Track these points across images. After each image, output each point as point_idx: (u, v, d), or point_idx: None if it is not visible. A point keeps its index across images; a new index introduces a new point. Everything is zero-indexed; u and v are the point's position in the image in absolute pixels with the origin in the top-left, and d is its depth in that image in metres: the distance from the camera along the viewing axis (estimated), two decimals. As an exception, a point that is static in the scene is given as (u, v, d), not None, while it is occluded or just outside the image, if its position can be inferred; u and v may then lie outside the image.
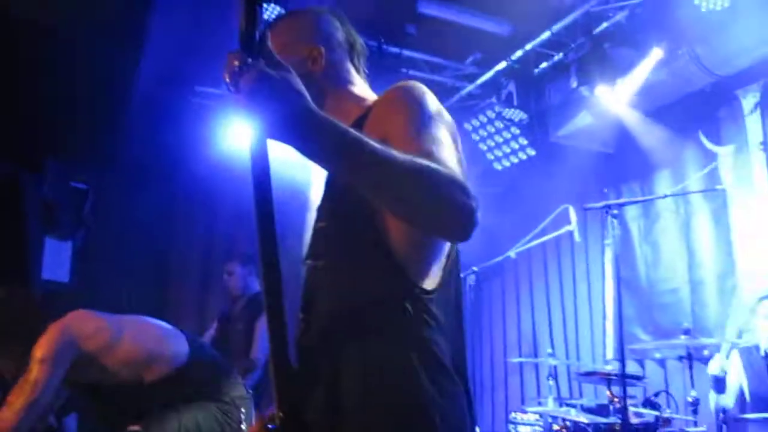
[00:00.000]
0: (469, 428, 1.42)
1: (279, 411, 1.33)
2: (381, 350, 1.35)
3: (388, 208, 1.29)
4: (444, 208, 1.21)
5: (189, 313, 6.04)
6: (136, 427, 2.46)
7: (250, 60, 1.11)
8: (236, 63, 1.11)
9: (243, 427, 2.72)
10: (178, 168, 6.03)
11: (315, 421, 1.34)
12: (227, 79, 1.13)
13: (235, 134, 5.89)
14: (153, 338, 2.70)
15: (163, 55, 5.01)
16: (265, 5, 1.17)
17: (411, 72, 5.53)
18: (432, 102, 1.42)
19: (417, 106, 1.39)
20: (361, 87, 1.65)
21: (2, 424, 2.32)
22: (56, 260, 5.46)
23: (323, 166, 1.25)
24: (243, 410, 2.77)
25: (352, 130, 1.17)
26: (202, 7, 4.72)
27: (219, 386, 2.75)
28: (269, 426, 1.37)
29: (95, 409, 2.52)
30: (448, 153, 1.32)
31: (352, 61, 1.67)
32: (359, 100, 1.60)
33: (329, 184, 1.54)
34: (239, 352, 4.35)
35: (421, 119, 1.36)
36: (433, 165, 1.22)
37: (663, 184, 5.60)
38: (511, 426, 4.93)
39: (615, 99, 5.20)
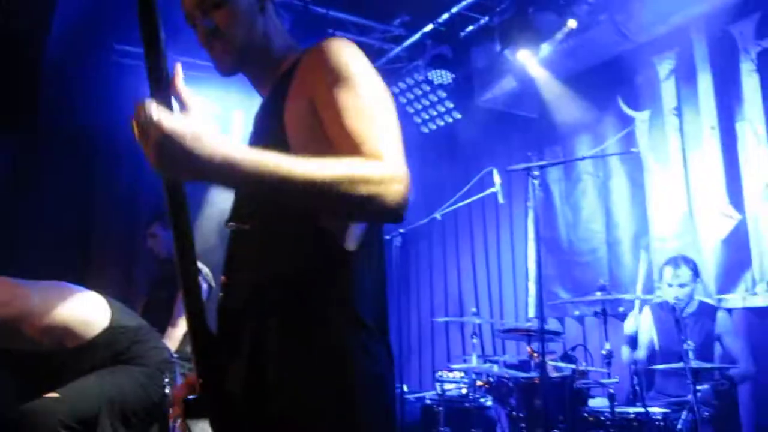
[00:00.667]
0: (390, 385, 1.45)
1: (198, 379, 1.33)
2: (302, 311, 1.36)
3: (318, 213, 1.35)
4: (374, 209, 1.24)
5: (113, 278, 5.90)
6: (54, 395, 2.42)
7: (153, 117, 1.11)
8: (143, 115, 1.12)
9: (167, 391, 2.71)
10: (99, 130, 5.82)
11: (236, 389, 1.36)
12: (135, 132, 1.14)
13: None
14: (73, 304, 2.64)
15: (77, 13, 4.79)
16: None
17: (338, 33, 5.47)
18: (357, 58, 1.41)
19: (344, 65, 1.38)
20: (288, 40, 1.63)
21: None
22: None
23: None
24: (167, 375, 2.75)
25: (258, 158, 1.17)
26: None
27: (142, 351, 2.72)
28: (189, 397, 1.37)
29: (14, 377, 2.45)
30: (375, 122, 1.32)
31: (269, 15, 1.61)
32: (286, 50, 1.59)
33: (256, 140, 1.53)
34: (162, 320, 4.28)
35: (348, 82, 1.35)
36: (350, 168, 1.22)
37: (583, 147, 5.76)
38: (437, 384, 5.06)
39: (537, 63, 5.29)
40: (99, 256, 6.10)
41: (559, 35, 4.88)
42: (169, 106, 1.19)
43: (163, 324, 4.12)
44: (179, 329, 4.22)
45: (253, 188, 1.22)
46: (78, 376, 2.55)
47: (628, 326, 4.61)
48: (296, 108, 1.40)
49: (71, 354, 2.55)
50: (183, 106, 1.31)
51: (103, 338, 2.62)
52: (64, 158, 5.84)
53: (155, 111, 1.11)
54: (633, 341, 4.58)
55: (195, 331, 1.32)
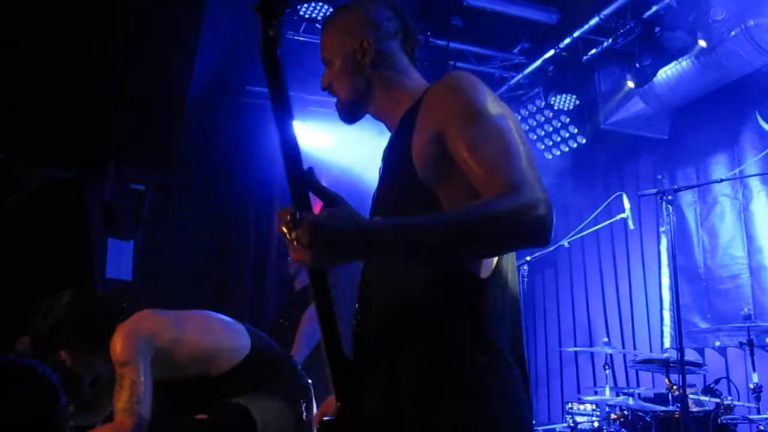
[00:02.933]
0: (527, 413, 1.43)
1: (337, 401, 1.37)
2: (437, 341, 1.37)
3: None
4: (519, 238, 1.26)
5: (246, 307, 6.17)
6: (202, 416, 2.54)
7: (299, 215, 1.18)
8: (288, 218, 1.19)
9: (305, 417, 2.78)
10: (233, 167, 6.18)
11: (373, 412, 1.39)
12: (284, 232, 1.20)
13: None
14: (216, 331, 2.77)
15: (215, 57, 5.13)
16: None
17: (458, 64, 5.53)
18: (482, 90, 1.42)
19: (468, 98, 1.40)
20: (413, 76, 1.67)
21: (123, 428, 2.42)
22: (119, 260, 5.65)
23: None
24: (303, 401, 2.83)
25: (407, 223, 1.25)
26: (251, 10, 4.81)
27: (280, 377, 2.81)
28: (325, 418, 1.42)
29: (162, 405, 2.59)
30: (506, 151, 1.33)
31: (404, 51, 1.68)
32: (410, 89, 1.62)
33: (385, 174, 1.58)
34: (289, 342, 4.40)
35: (474, 114, 1.37)
36: (490, 207, 1.25)
37: (720, 168, 5.48)
38: (567, 416, 4.90)
39: (666, 83, 5.11)
40: (234, 286, 6.41)
41: (690, 54, 4.69)
42: (307, 198, 1.27)
43: (287, 348, 4.24)
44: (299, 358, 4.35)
45: (402, 252, 1.27)
46: (222, 402, 2.66)
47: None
48: (423, 141, 1.42)
49: (216, 380, 2.65)
50: (326, 201, 1.40)
51: (244, 366, 2.71)
52: (203, 193, 6.21)
53: (299, 212, 1.19)
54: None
55: (332, 355, 1.36)
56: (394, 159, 1.53)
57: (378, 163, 1.64)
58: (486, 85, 1.45)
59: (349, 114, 1.69)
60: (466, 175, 1.34)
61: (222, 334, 2.79)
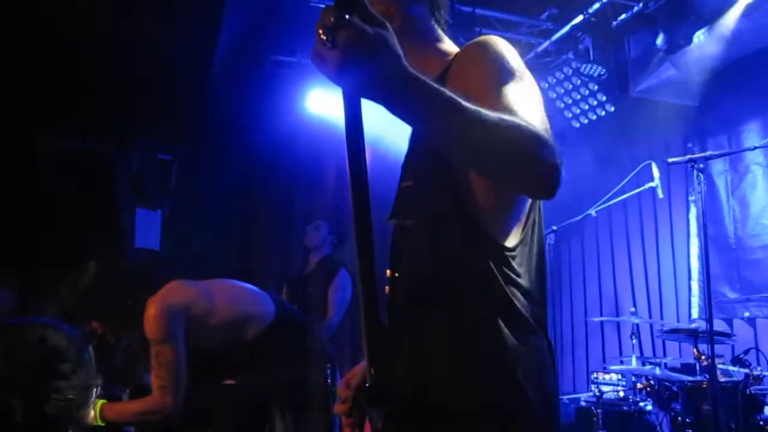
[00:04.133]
0: (552, 381, 1.44)
1: (370, 368, 1.37)
2: (464, 308, 1.39)
3: (473, 165, 1.30)
4: (529, 164, 1.20)
5: (273, 275, 6.23)
6: (230, 382, 2.60)
7: (347, 16, 1.05)
8: (332, 19, 1.05)
9: (329, 383, 2.82)
10: (257, 135, 6.19)
11: (402, 379, 1.40)
12: (321, 36, 1.06)
13: (312, 99, 5.98)
14: (243, 299, 2.82)
15: (239, 26, 5.12)
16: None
17: (484, 30, 5.44)
18: (512, 55, 1.41)
19: (498, 60, 1.39)
20: (443, 40, 1.64)
21: (164, 405, 2.48)
22: (147, 229, 5.74)
23: (411, 124, 1.24)
24: (328, 368, 2.87)
25: (443, 89, 1.16)
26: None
27: (305, 344, 2.85)
28: (366, 384, 1.42)
29: (193, 372, 2.64)
30: (531, 108, 1.32)
31: (433, 14, 1.65)
32: (441, 54, 1.60)
33: (413, 143, 1.57)
34: (313, 313, 4.47)
35: (502, 74, 1.37)
36: (518, 121, 1.21)
37: (752, 136, 5.36)
38: (593, 386, 4.90)
39: (699, 49, 4.98)
40: (259, 254, 6.47)
41: (730, 15, 4.55)
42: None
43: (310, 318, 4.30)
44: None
45: (429, 107, 1.15)
46: (248, 369, 2.71)
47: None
48: None
49: (242, 349, 2.70)
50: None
51: (270, 332, 2.76)
52: (228, 162, 6.25)
53: (348, 13, 1.06)
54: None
55: (368, 320, 1.33)
56: None
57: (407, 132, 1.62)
58: (514, 50, 1.44)
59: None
60: None
61: (249, 302, 2.83)
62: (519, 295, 1.39)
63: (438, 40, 1.64)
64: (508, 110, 1.27)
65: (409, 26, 1.60)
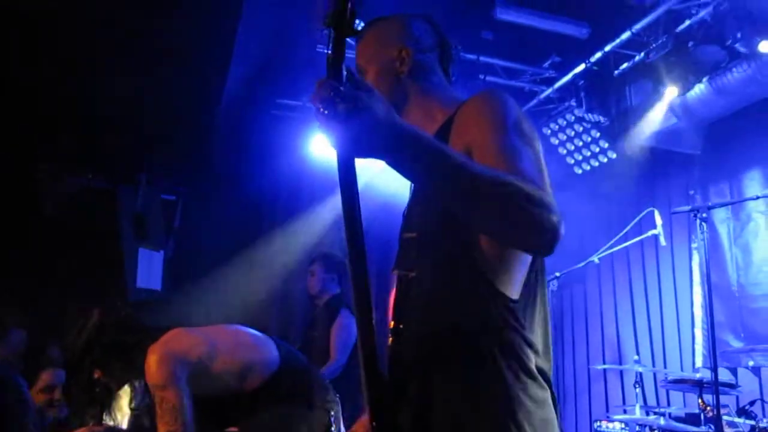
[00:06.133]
0: (556, 429, 1.42)
1: (372, 422, 1.36)
2: (470, 362, 1.37)
3: (472, 222, 1.32)
4: (527, 225, 1.23)
5: (274, 318, 6.20)
6: (233, 430, 2.56)
7: (341, 88, 1.13)
8: (328, 91, 1.13)
9: (333, 430, 2.78)
10: (261, 177, 6.23)
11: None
12: (319, 107, 1.14)
13: (314, 143, 6.04)
14: (247, 346, 2.78)
15: (246, 70, 5.20)
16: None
17: (488, 78, 5.53)
18: (514, 109, 1.43)
19: (498, 114, 1.41)
20: (448, 92, 1.66)
21: None
22: (149, 269, 5.73)
23: (410, 178, 1.30)
24: (332, 414, 2.83)
25: (439, 144, 1.21)
26: (281, 24, 4.87)
27: (309, 390, 2.81)
28: None
29: (196, 420, 2.60)
30: (530, 165, 1.33)
31: (440, 66, 1.68)
32: (445, 104, 1.61)
33: (414, 195, 1.58)
34: (318, 357, 4.44)
35: (502, 129, 1.38)
36: (516, 181, 1.23)
37: (753, 184, 5.39)
38: (596, 434, 4.83)
39: (700, 98, 5.04)
40: (262, 297, 6.44)
41: (723, 68, 4.62)
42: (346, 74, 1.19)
43: (316, 363, 4.26)
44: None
45: (425, 162, 1.20)
46: (253, 416, 2.67)
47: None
48: None
49: (246, 397, 2.66)
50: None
51: (274, 380, 2.72)
52: (231, 204, 6.28)
53: (342, 85, 1.14)
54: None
55: (369, 375, 1.33)
56: None
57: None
58: (515, 103, 1.46)
59: None
60: None
61: (253, 349, 2.80)
62: (525, 347, 1.38)
63: (443, 90, 1.66)
64: (507, 167, 1.29)
65: (418, 72, 1.64)
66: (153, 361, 2.51)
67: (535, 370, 1.39)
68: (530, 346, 1.39)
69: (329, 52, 1.19)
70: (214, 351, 2.64)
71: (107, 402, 2.79)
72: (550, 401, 1.41)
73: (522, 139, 1.38)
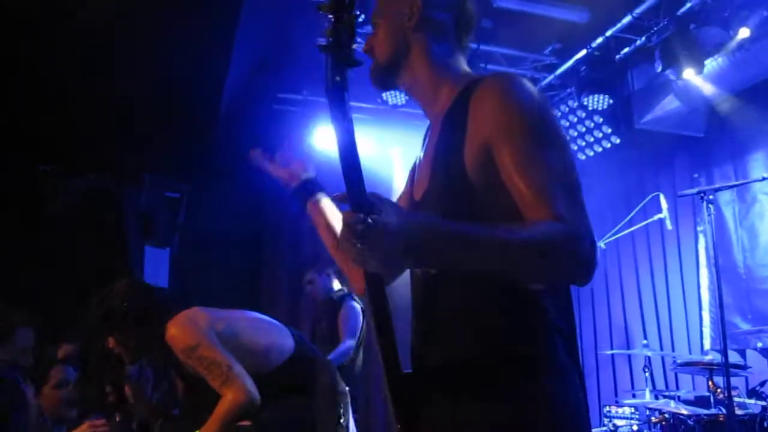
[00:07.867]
0: (587, 417, 1.41)
1: (397, 424, 1.32)
2: (498, 360, 1.36)
3: (519, 281, 1.36)
4: (565, 273, 1.28)
5: (281, 313, 6.21)
6: (246, 423, 2.55)
7: (369, 219, 1.15)
8: (358, 225, 1.14)
9: (342, 421, 2.78)
10: (266, 174, 6.21)
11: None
12: (353, 242, 1.16)
13: (317, 136, 6.04)
14: (265, 328, 2.80)
15: (247, 64, 5.19)
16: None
17: (489, 66, 5.51)
18: (534, 103, 1.37)
19: (519, 115, 1.34)
20: (458, 60, 1.59)
21: (238, 397, 2.41)
22: (155, 267, 5.74)
23: (442, 268, 1.39)
24: (342, 406, 2.83)
25: (459, 227, 1.23)
26: (281, 19, 4.86)
27: (320, 379, 2.81)
28: None
29: (208, 405, 2.60)
30: (556, 177, 1.30)
31: (454, 30, 1.59)
32: (454, 77, 1.55)
33: (436, 171, 1.50)
34: (327, 348, 4.46)
35: (523, 134, 1.33)
36: (545, 232, 1.23)
37: (757, 165, 5.37)
38: (606, 420, 4.83)
39: (703, 80, 5.03)
40: (268, 292, 6.45)
41: (727, 49, 4.59)
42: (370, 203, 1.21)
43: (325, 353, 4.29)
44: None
45: (460, 260, 1.25)
46: (264, 404, 2.66)
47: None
48: (474, 152, 1.39)
49: (262, 380, 2.65)
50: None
51: (288, 366, 2.72)
52: (235, 199, 6.28)
53: (369, 217, 1.15)
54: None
55: (391, 376, 1.30)
56: (445, 159, 1.46)
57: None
58: (536, 91, 1.40)
59: (382, 77, 1.61)
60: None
61: (271, 332, 2.81)
62: (555, 335, 1.37)
63: (453, 58, 1.58)
64: (532, 194, 1.29)
65: (425, 27, 1.56)
66: (176, 328, 2.52)
67: (565, 355, 1.37)
68: (560, 332, 1.37)
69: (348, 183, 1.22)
70: (236, 328, 2.65)
71: (119, 382, 2.80)
72: (579, 385, 1.39)
73: (544, 141, 1.32)
